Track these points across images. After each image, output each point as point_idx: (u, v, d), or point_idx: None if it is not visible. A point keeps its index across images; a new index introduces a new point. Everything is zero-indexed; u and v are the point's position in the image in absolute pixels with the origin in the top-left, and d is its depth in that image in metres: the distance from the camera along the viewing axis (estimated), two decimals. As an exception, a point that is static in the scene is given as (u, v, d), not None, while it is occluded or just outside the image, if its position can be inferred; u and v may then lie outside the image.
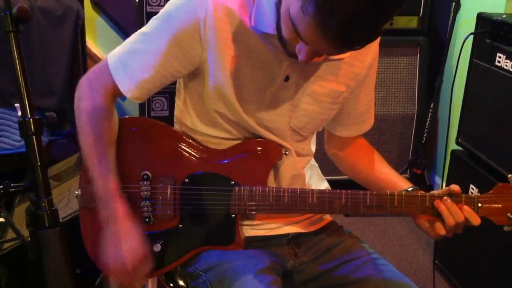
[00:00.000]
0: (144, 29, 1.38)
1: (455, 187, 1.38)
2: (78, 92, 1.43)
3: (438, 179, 3.45)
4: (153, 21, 1.36)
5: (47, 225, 1.12)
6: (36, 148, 1.13)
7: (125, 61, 1.38)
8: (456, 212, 1.36)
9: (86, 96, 1.41)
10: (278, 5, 1.22)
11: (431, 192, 1.41)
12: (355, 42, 1.13)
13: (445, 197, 1.38)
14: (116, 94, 1.41)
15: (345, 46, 1.14)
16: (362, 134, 1.62)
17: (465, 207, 1.37)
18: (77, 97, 1.43)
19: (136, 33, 1.39)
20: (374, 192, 1.40)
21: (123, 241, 1.34)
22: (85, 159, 1.41)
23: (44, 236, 1.11)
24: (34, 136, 1.13)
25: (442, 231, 1.38)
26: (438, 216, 1.38)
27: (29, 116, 1.14)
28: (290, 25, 1.15)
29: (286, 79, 1.37)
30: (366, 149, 1.62)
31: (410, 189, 1.45)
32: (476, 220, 1.37)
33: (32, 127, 1.14)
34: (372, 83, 1.53)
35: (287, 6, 1.16)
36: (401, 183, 1.50)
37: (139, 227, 1.37)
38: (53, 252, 1.10)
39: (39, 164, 1.13)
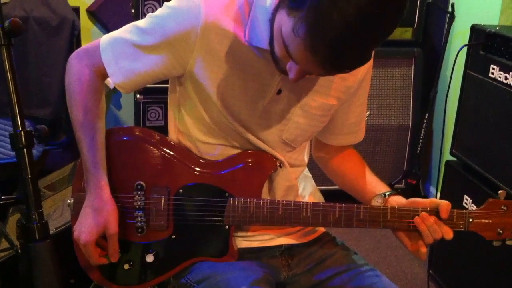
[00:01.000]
0: (139, 23, 1.39)
1: (445, 212, 1.39)
2: (69, 65, 1.45)
3: (432, 190, 3.45)
4: (149, 18, 1.38)
5: (37, 237, 1.11)
6: (27, 161, 1.13)
7: (116, 47, 1.39)
8: (435, 230, 1.37)
9: (75, 69, 1.43)
10: (271, 22, 1.23)
11: (422, 204, 1.41)
12: (345, 66, 1.15)
13: (422, 213, 1.38)
14: (104, 75, 1.43)
15: (334, 69, 1.16)
16: (355, 146, 1.62)
17: (444, 227, 1.38)
18: (68, 70, 1.45)
19: (131, 24, 1.40)
20: (368, 206, 1.41)
21: (89, 213, 1.36)
22: (75, 131, 1.43)
23: (34, 249, 1.10)
24: (25, 149, 1.13)
25: (424, 249, 1.40)
26: (414, 230, 1.40)
27: (20, 129, 1.14)
28: (282, 44, 1.16)
29: (279, 92, 1.38)
30: (353, 158, 1.62)
31: (387, 193, 1.47)
32: (448, 235, 1.38)
33: (23, 140, 1.14)
34: (364, 96, 1.53)
35: (280, 24, 1.17)
36: (380, 187, 1.51)
37: (109, 198, 1.38)
38: (43, 265, 1.09)
39: (29, 176, 1.12)
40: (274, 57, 1.25)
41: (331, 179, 1.66)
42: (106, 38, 1.42)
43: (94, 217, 1.36)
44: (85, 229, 1.36)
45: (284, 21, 1.14)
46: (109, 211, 1.36)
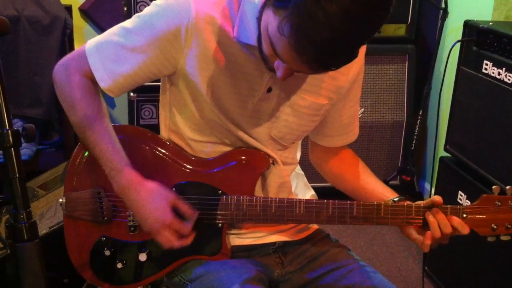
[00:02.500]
0: (126, 24, 1.37)
1: (437, 198, 1.39)
2: (56, 77, 1.41)
3: (427, 186, 3.45)
4: (136, 18, 1.36)
5: (25, 238, 1.11)
6: (14, 160, 1.12)
7: (102, 50, 1.37)
8: (445, 224, 1.37)
9: (65, 79, 1.39)
10: (259, 20, 1.22)
11: (417, 203, 1.41)
12: (331, 64, 1.15)
13: (433, 209, 1.38)
14: (94, 81, 1.39)
15: (321, 68, 1.15)
16: (349, 144, 1.62)
17: (454, 218, 1.37)
18: (58, 83, 1.41)
19: (118, 26, 1.38)
20: (361, 202, 1.40)
21: (148, 202, 1.34)
22: (85, 139, 1.39)
23: (22, 249, 1.09)
24: (12, 148, 1.12)
25: (428, 241, 1.38)
26: (425, 226, 1.38)
27: (7, 128, 1.13)
28: (269, 42, 1.16)
29: (269, 90, 1.37)
30: (351, 160, 1.61)
31: (396, 199, 1.45)
32: (465, 230, 1.37)
33: (11, 139, 1.13)
34: (357, 96, 1.53)
35: (266, 23, 1.16)
36: (387, 194, 1.50)
37: (151, 181, 1.36)
38: (31, 265, 1.09)
39: (17, 176, 1.12)
40: (263, 55, 1.25)
41: (333, 185, 1.64)
42: (92, 42, 1.39)
43: (153, 201, 1.34)
44: (156, 214, 1.33)
45: (271, 19, 1.14)
46: (159, 187, 1.36)
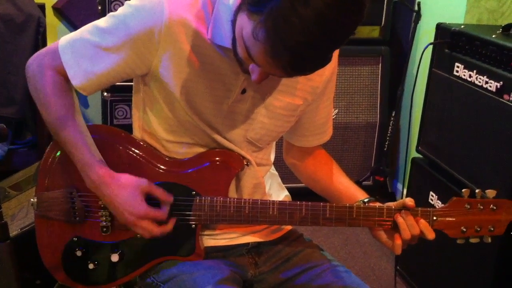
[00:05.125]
0: (99, 23, 1.36)
1: (410, 202, 1.40)
2: (29, 71, 1.40)
3: (400, 186, 3.49)
4: (110, 18, 1.35)
5: (-4, 238, 1.10)
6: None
7: (76, 48, 1.36)
8: (413, 225, 1.38)
9: (38, 74, 1.38)
10: (233, 23, 1.22)
11: (388, 204, 1.43)
12: (306, 69, 1.16)
13: (403, 210, 1.39)
14: (66, 78, 1.38)
15: (296, 72, 1.17)
16: (323, 144, 1.63)
17: (422, 221, 1.39)
18: (30, 77, 1.40)
19: (91, 24, 1.37)
20: (334, 204, 1.41)
21: (120, 195, 1.33)
22: (57, 134, 1.38)
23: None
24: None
25: (398, 241, 1.39)
26: (395, 228, 1.40)
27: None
28: (244, 46, 1.16)
29: (243, 91, 1.38)
30: (325, 160, 1.63)
31: (366, 200, 1.47)
32: (430, 234, 1.39)
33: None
34: (331, 96, 1.54)
35: (241, 27, 1.16)
36: (359, 194, 1.51)
37: (121, 174, 1.36)
38: (2, 266, 1.08)
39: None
40: (238, 58, 1.25)
41: (307, 186, 1.66)
42: (65, 40, 1.38)
43: (126, 194, 1.33)
44: (129, 207, 1.32)
45: (245, 24, 1.14)
46: (131, 178, 1.35)
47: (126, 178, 1.35)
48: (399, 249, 1.40)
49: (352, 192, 1.53)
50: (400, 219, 1.38)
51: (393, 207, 1.40)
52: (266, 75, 1.22)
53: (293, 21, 1.04)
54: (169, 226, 1.37)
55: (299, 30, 1.04)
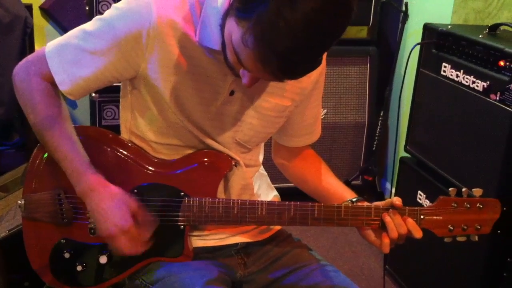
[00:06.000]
0: (86, 27, 1.35)
1: (397, 201, 1.40)
2: (16, 80, 1.38)
3: (388, 186, 3.51)
4: (97, 21, 1.34)
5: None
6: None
7: (62, 53, 1.35)
8: (400, 224, 1.39)
9: (26, 82, 1.37)
10: (222, 27, 1.22)
11: (375, 203, 1.43)
12: (297, 73, 1.16)
13: (391, 210, 1.40)
14: (54, 84, 1.37)
15: (286, 77, 1.16)
16: (311, 144, 1.64)
17: (409, 220, 1.39)
18: (18, 86, 1.38)
19: (78, 28, 1.36)
20: (322, 204, 1.41)
21: (109, 206, 1.31)
22: (45, 142, 1.37)
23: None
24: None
25: (386, 240, 1.40)
26: (383, 227, 1.41)
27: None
28: (233, 51, 1.17)
29: (231, 93, 1.38)
30: (314, 160, 1.64)
31: (354, 199, 1.48)
32: (418, 233, 1.39)
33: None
34: (319, 96, 1.55)
35: (230, 32, 1.16)
36: (347, 194, 1.52)
37: (113, 185, 1.34)
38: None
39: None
40: (228, 63, 1.25)
41: (296, 185, 1.66)
42: (52, 45, 1.37)
43: (114, 205, 1.31)
44: (115, 218, 1.30)
45: (234, 29, 1.14)
46: (121, 192, 1.33)
47: (117, 191, 1.34)
48: (387, 248, 1.41)
49: (340, 192, 1.54)
50: (387, 218, 1.39)
51: (381, 207, 1.41)
52: (256, 79, 1.22)
53: (280, 26, 1.04)
54: (142, 249, 1.35)
55: (286, 35, 1.05)
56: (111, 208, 1.31)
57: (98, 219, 1.33)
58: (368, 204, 1.44)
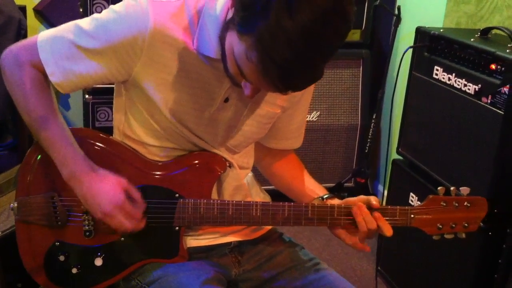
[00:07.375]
0: (82, 24, 1.34)
1: (374, 201, 1.42)
2: (4, 65, 1.37)
3: (381, 188, 3.52)
4: (93, 20, 1.33)
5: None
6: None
7: (55, 46, 1.34)
8: (369, 220, 1.40)
9: (15, 68, 1.36)
10: (221, 39, 1.23)
11: (351, 199, 1.45)
12: (298, 85, 1.16)
13: (360, 204, 1.41)
14: (44, 73, 1.36)
15: (288, 89, 1.17)
16: (305, 146, 1.65)
17: (379, 216, 1.41)
18: (6, 72, 1.37)
19: (73, 23, 1.35)
20: (316, 204, 1.43)
21: (101, 186, 1.33)
22: (35, 128, 1.37)
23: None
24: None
25: (355, 237, 1.43)
26: (355, 224, 1.43)
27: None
28: (235, 63, 1.18)
29: (226, 100, 1.39)
30: (295, 163, 1.65)
31: (325, 196, 1.51)
32: (389, 231, 1.41)
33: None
34: (307, 104, 1.57)
35: (231, 45, 1.17)
36: (318, 191, 1.55)
37: (103, 169, 1.36)
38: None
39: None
40: (228, 73, 1.26)
41: (270, 181, 1.68)
42: (45, 35, 1.36)
43: (105, 185, 1.33)
44: (108, 195, 1.32)
45: (236, 43, 1.15)
46: (110, 172, 1.36)
47: (108, 173, 1.36)
48: (366, 247, 1.44)
49: (311, 188, 1.57)
50: (359, 217, 1.40)
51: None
52: (258, 90, 1.24)
53: (279, 37, 1.05)
54: (141, 224, 1.37)
55: (285, 46, 1.06)
56: (102, 187, 1.33)
57: (91, 201, 1.34)
58: (346, 199, 1.46)
